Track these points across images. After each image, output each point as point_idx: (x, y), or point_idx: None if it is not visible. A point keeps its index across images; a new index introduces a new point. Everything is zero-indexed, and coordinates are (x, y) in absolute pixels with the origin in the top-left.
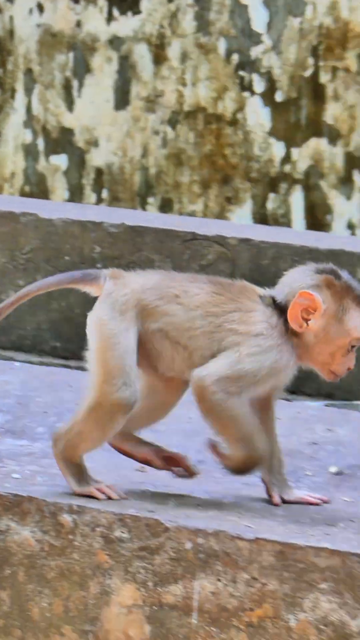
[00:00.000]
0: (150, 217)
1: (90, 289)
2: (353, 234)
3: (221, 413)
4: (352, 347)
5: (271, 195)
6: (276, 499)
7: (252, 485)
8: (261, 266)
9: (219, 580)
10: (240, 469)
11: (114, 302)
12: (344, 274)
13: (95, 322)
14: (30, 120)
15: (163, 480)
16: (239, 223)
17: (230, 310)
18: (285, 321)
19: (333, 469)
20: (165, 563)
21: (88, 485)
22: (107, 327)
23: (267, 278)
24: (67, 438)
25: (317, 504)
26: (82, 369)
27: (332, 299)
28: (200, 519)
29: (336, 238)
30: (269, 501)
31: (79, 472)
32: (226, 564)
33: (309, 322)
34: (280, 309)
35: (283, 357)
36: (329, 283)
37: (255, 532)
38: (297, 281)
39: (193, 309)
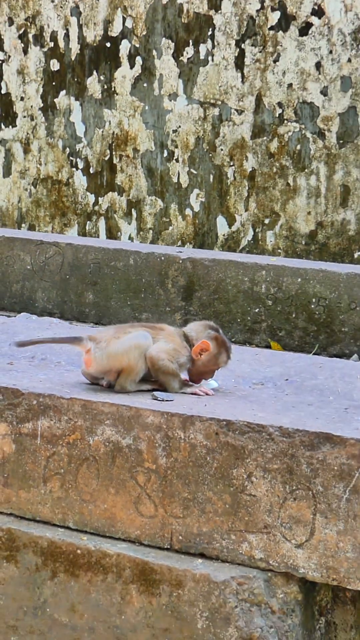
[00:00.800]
0: (19, 233)
1: (78, 347)
2: (132, 241)
3: (163, 368)
4: (214, 370)
5: (88, 222)
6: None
7: (71, 371)
8: (78, 257)
9: (51, 420)
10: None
11: (105, 345)
12: (220, 331)
13: (114, 354)
14: None
15: (22, 368)
16: (67, 235)
17: (161, 336)
18: (190, 347)
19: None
20: (23, 411)
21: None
22: (119, 347)
23: (82, 264)
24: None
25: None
26: None
27: (215, 347)
28: (41, 388)
29: (117, 242)
30: (80, 381)
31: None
32: (55, 412)
33: (201, 355)
34: (187, 340)
35: (187, 358)
36: (216, 338)
37: (70, 394)
38: (200, 332)
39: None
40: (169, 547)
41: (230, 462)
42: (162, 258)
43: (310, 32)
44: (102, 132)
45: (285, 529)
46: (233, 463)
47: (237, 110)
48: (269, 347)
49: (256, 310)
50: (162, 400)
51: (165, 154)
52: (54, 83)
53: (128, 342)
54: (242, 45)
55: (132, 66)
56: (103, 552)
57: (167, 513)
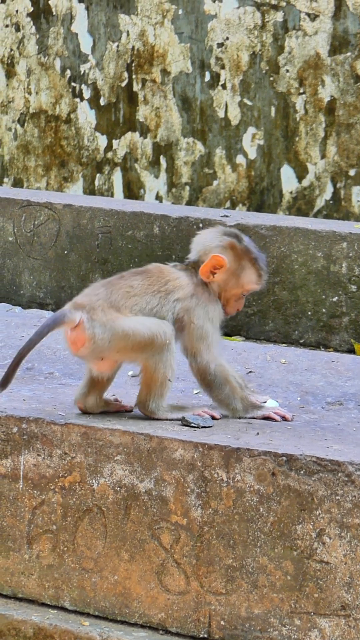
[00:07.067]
0: None
1: (65, 327)
2: (161, 201)
3: (220, 377)
4: (243, 295)
5: (98, 175)
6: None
7: (66, 386)
8: (81, 225)
9: (39, 455)
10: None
11: (105, 317)
12: (245, 238)
13: (125, 334)
14: None
15: None
16: (65, 193)
17: (165, 282)
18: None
19: (130, 373)
20: None
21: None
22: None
23: (86, 233)
24: None
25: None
26: None
27: (233, 259)
28: (24, 410)
29: (136, 203)
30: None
31: None
32: (44, 443)
33: (215, 274)
34: (194, 265)
35: (214, 305)
36: (232, 246)
37: (65, 419)
38: (208, 242)
39: (144, 294)
40: (206, 635)
41: (293, 515)
42: (201, 225)
43: None
44: (118, 47)
45: None
46: (297, 516)
47: (309, 14)
48: (352, 351)
49: (334, 300)
50: (197, 427)
51: (208, 78)
52: None
53: (148, 327)
54: None
55: None
56: None
57: (204, 588)
